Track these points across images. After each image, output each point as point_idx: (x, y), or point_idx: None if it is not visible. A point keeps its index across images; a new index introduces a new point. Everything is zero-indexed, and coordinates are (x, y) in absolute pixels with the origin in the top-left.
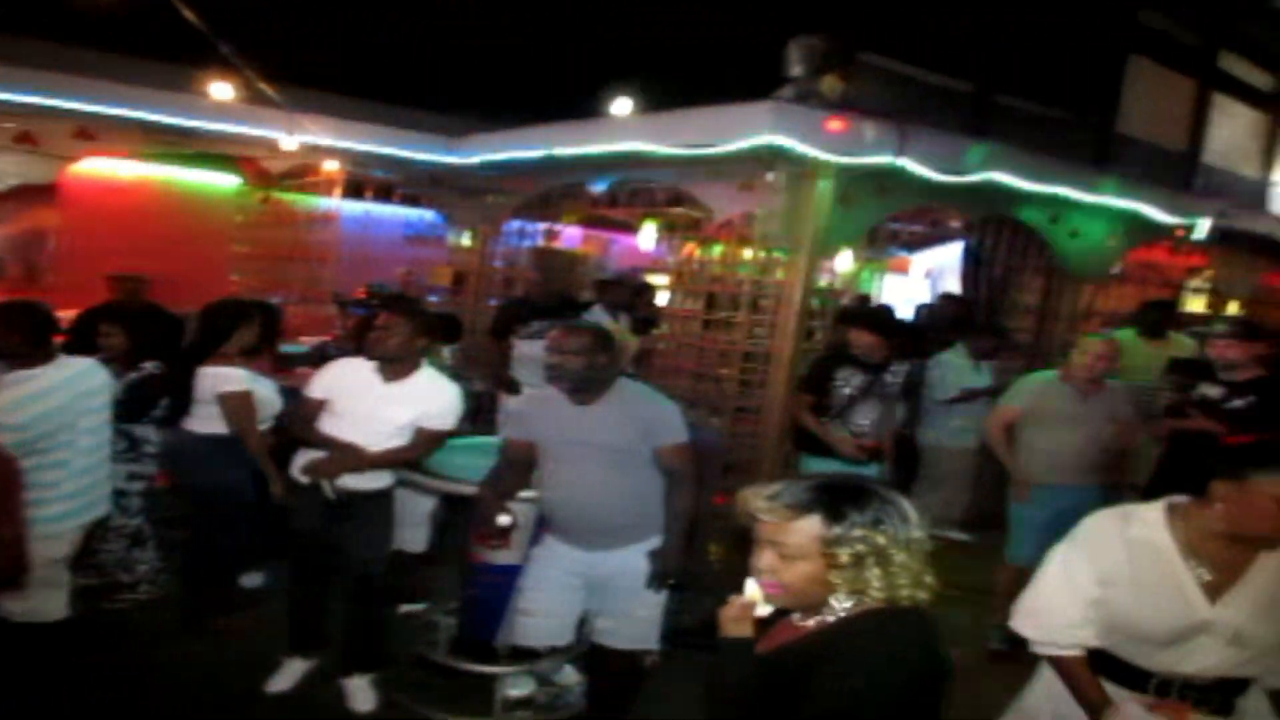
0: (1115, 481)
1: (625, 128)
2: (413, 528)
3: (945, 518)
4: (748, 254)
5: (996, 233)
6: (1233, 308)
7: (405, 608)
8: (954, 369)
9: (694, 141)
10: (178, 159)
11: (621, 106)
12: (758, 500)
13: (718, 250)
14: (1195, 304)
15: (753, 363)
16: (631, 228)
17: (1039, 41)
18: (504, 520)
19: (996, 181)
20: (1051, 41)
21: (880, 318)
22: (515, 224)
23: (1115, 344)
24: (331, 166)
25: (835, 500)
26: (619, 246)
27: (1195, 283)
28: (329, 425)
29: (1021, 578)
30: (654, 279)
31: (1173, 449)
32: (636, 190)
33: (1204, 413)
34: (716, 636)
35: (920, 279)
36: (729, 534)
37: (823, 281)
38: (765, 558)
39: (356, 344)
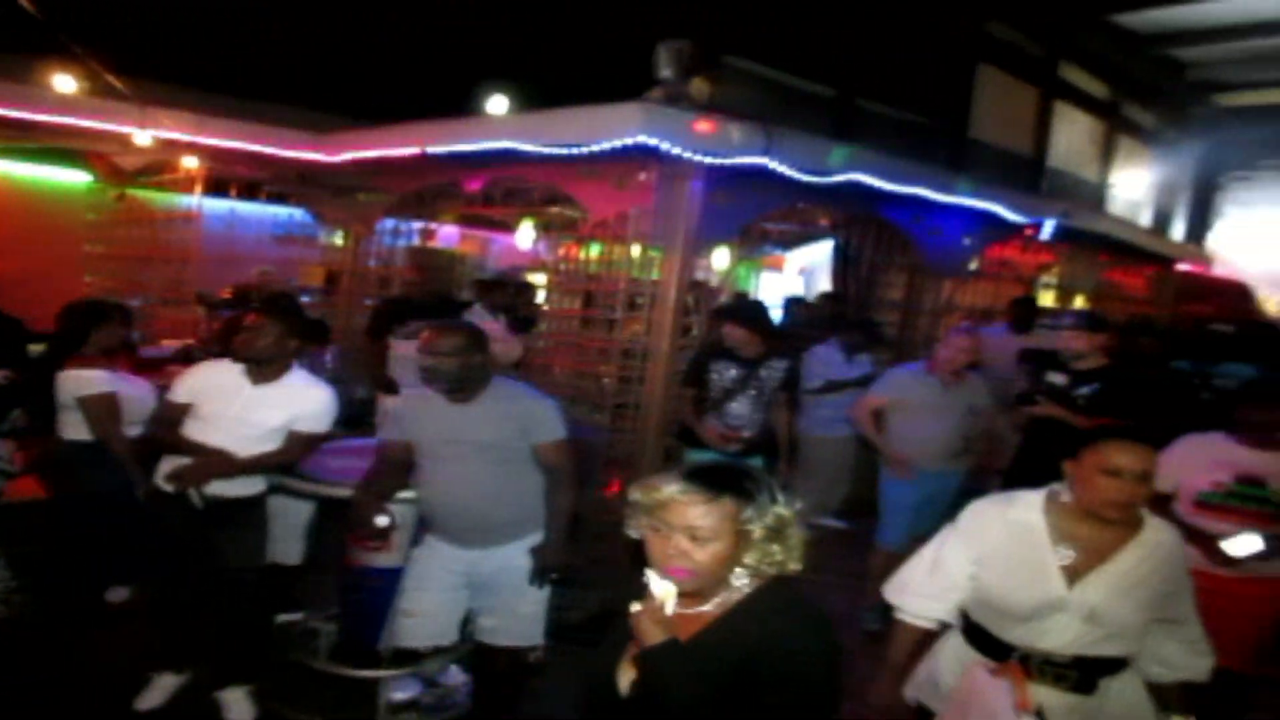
0: (984, 466)
1: (498, 126)
2: (288, 541)
3: (823, 506)
4: (636, 252)
5: (862, 231)
6: (1079, 301)
7: (283, 617)
8: (826, 362)
9: (567, 141)
10: (20, 154)
11: (498, 105)
12: (669, 486)
13: (596, 249)
14: (1046, 298)
15: (631, 359)
16: (510, 227)
17: (896, 50)
18: (381, 521)
19: (859, 182)
20: (908, 50)
21: (753, 313)
22: (389, 223)
23: (977, 338)
24: (191, 163)
25: (740, 481)
26: (499, 245)
27: (1046, 278)
28: (195, 430)
29: (891, 560)
30: (535, 278)
31: (1028, 435)
32: (512, 189)
33: (1052, 400)
34: (600, 634)
35: (795, 276)
36: (615, 528)
37: (701, 277)
38: (676, 543)
39: (223, 346)
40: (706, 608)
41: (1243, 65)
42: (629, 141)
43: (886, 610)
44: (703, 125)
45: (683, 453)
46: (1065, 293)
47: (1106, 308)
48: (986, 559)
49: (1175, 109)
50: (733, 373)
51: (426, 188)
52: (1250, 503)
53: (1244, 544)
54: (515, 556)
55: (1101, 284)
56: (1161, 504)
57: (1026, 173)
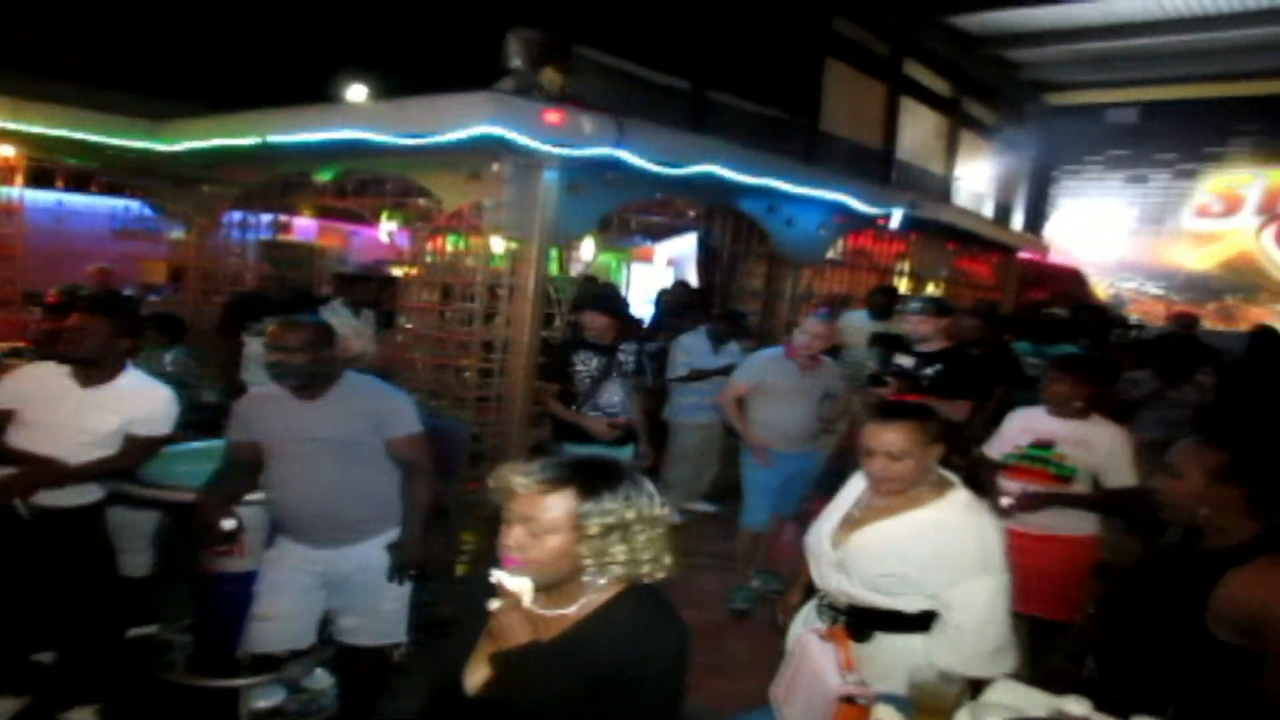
0: (849, 446)
1: (346, 115)
2: (134, 551)
3: (693, 491)
4: (496, 245)
5: (722, 223)
6: (931, 288)
7: (135, 630)
8: (692, 350)
9: (416, 131)
10: None
11: (357, 93)
12: (515, 476)
13: (454, 242)
14: (901, 286)
15: (493, 352)
16: (373, 219)
17: (749, 43)
18: (228, 525)
19: (715, 174)
20: (759, 44)
21: (609, 300)
22: (237, 215)
23: (832, 323)
24: (7, 152)
25: (588, 476)
26: (362, 239)
27: (901, 266)
28: (20, 438)
29: (756, 541)
30: (400, 272)
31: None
32: (366, 181)
33: (900, 381)
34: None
35: (664, 267)
36: (481, 522)
37: (574, 270)
38: (514, 534)
39: (50, 349)
40: (569, 610)
41: (1069, 67)
42: (479, 132)
43: (754, 590)
44: (553, 116)
45: (557, 448)
46: (918, 280)
47: (956, 294)
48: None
49: (1011, 106)
50: (595, 362)
51: (275, 179)
52: (1036, 463)
53: (1005, 498)
54: (373, 554)
55: (951, 271)
56: (992, 469)
57: (877, 165)
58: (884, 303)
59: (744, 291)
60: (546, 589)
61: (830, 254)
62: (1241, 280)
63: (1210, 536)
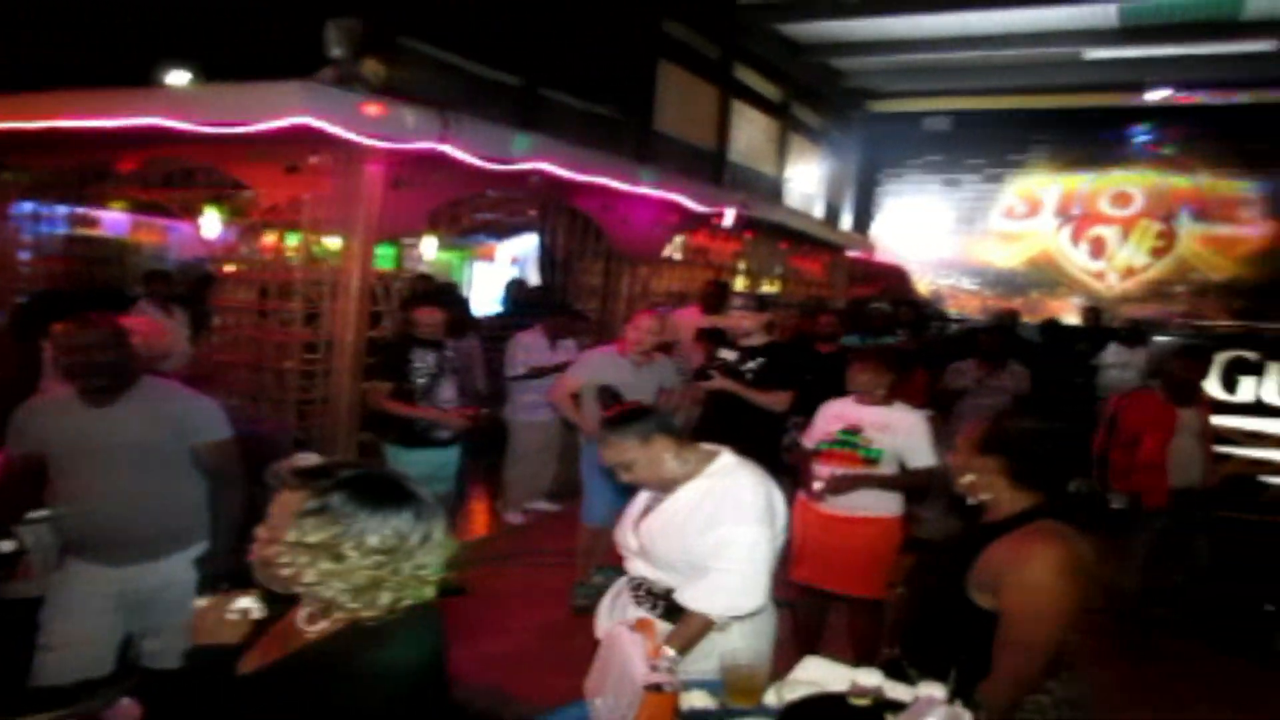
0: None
1: (147, 101)
2: None
3: (534, 490)
4: (327, 242)
5: (558, 221)
6: (766, 285)
7: None
8: (529, 348)
9: (224, 119)
10: None
11: (178, 79)
12: (285, 468)
13: (276, 238)
14: (737, 283)
15: (315, 353)
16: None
17: (580, 41)
18: (4, 547)
19: (547, 171)
20: (591, 42)
21: (443, 295)
22: (27, 206)
23: (663, 319)
24: None
25: (340, 487)
26: (181, 235)
27: (741, 265)
28: None
29: (598, 537)
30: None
31: (706, 407)
32: (175, 173)
33: (724, 374)
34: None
35: (507, 265)
36: None
37: (417, 269)
38: (261, 530)
39: None
40: (311, 630)
41: (888, 76)
42: (292, 122)
43: (596, 586)
44: (372, 108)
45: (387, 452)
46: (754, 277)
47: (790, 291)
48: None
49: (838, 112)
50: (431, 358)
51: (71, 167)
52: (845, 446)
53: (818, 481)
54: (179, 570)
55: (785, 269)
56: (805, 456)
57: (710, 166)
58: (715, 299)
59: (583, 289)
60: (303, 600)
61: (670, 252)
62: (1044, 276)
63: (988, 510)
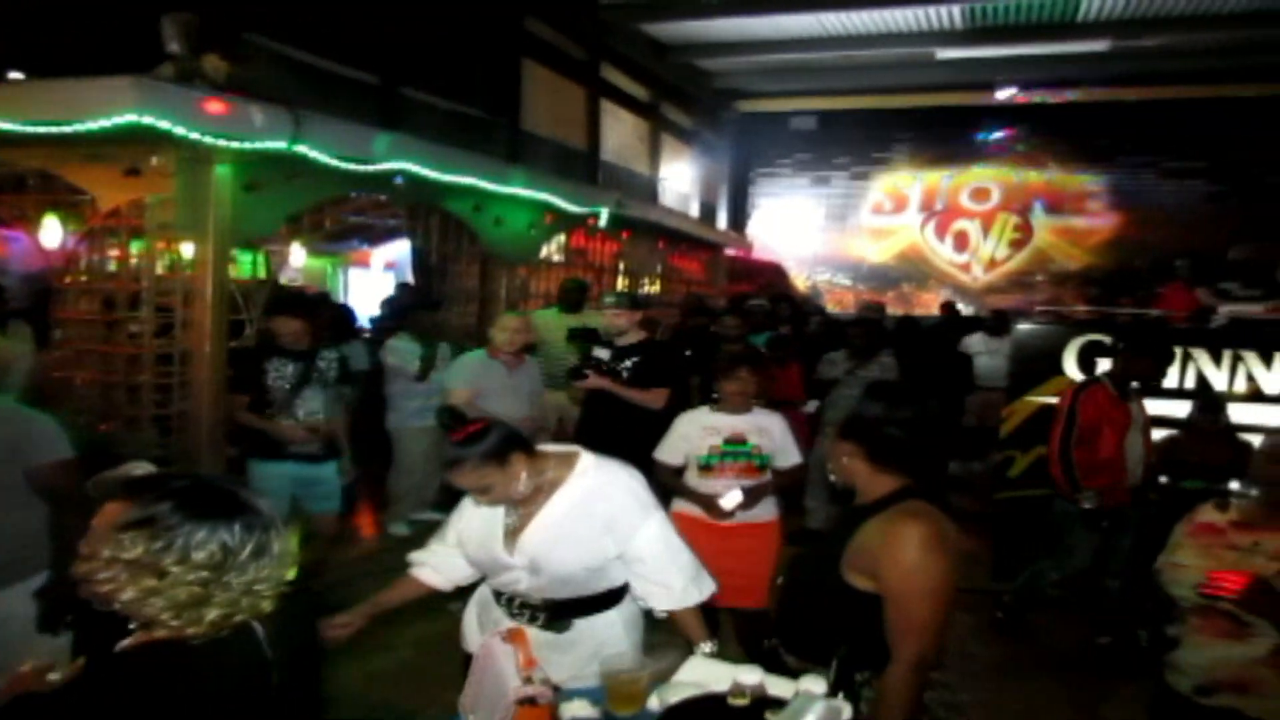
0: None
1: None
2: None
3: (422, 500)
4: (181, 249)
5: (428, 223)
6: (646, 284)
7: None
8: (401, 353)
9: (50, 118)
10: None
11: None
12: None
13: (119, 247)
14: (621, 283)
15: (170, 366)
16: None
17: (440, 39)
18: None
19: (412, 172)
20: (452, 40)
21: (303, 302)
22: None
23: (527, 319)
24: None
25: (164, 497)
26: (23, 245)
27: (618, 265)
28: None
29: None
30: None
31: (585, 408)
32: (3, 177)
33: (600, 373)
34: None
35: (382, 272)
36: None
37: (285, 277)
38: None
39: None
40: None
41: (753, 77)
42: (126, 120)
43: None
44: (214, 105)
45: (250, 466)
46: (634, 277)
47: (671, 289)
48: (465, 523)
49: (707, 112)
50: (291, 369)
51: None
52: (740, 458)
53: (730, 499)
54: (16, 603)
55: (665, 268)
56: (676, 474)
57: (582, 165)
58: (575, 297)
59: (459, 293)
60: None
61: (550, 253)
62: (913, 269)
63: (859, 496)
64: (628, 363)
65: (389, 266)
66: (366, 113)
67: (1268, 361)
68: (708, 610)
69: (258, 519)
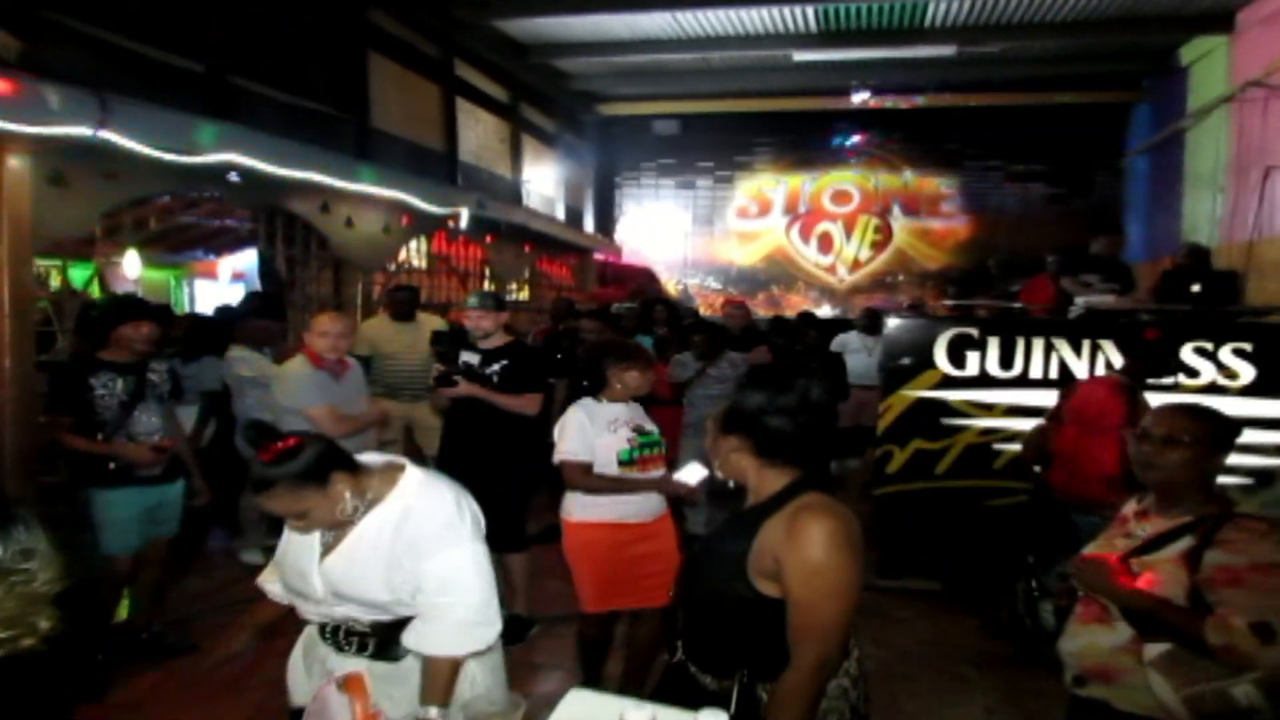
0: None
1: None
2: None
3: (275, 524)
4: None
5: (271, 225)
6: (514, 290)
7: None
8: (251, 363)
9: None
10: None
11: None
12: None
13: None
14: (486, 287)
15: None
16: None
17: (276, 28)
18: None
19: (247, 167)
20: (289, 30)
21: (151, 306)
22: None
23: (349, 320)
24: None
25: None
26: None
27: (488, 270)
28: None
29: None
30: None
31: (451, 417)
32: None
33: (470, 379)
34: None
35: (230, 284)
36: None
37: (120, 289)
38: None
39: None
40: None
41: (612, 79)
42: None
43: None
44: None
45: (91, 495)
46: (500, 282)
47: (540, 294)
48: (284, 545)
49: (568, 114)
50: (121, 384)
51: None
52: (654, 449)
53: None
54: None
55: (532, 272)
56: (585, 472)
57: (440, 166)
58: (403, 304)
59: (311, 300)
60: None
61: (410, 258)
62: (781, 272)
63: (751, 494)
64: (496, 367)
65: (237, 277)
66: (192, 103)
67: (1124, 350)
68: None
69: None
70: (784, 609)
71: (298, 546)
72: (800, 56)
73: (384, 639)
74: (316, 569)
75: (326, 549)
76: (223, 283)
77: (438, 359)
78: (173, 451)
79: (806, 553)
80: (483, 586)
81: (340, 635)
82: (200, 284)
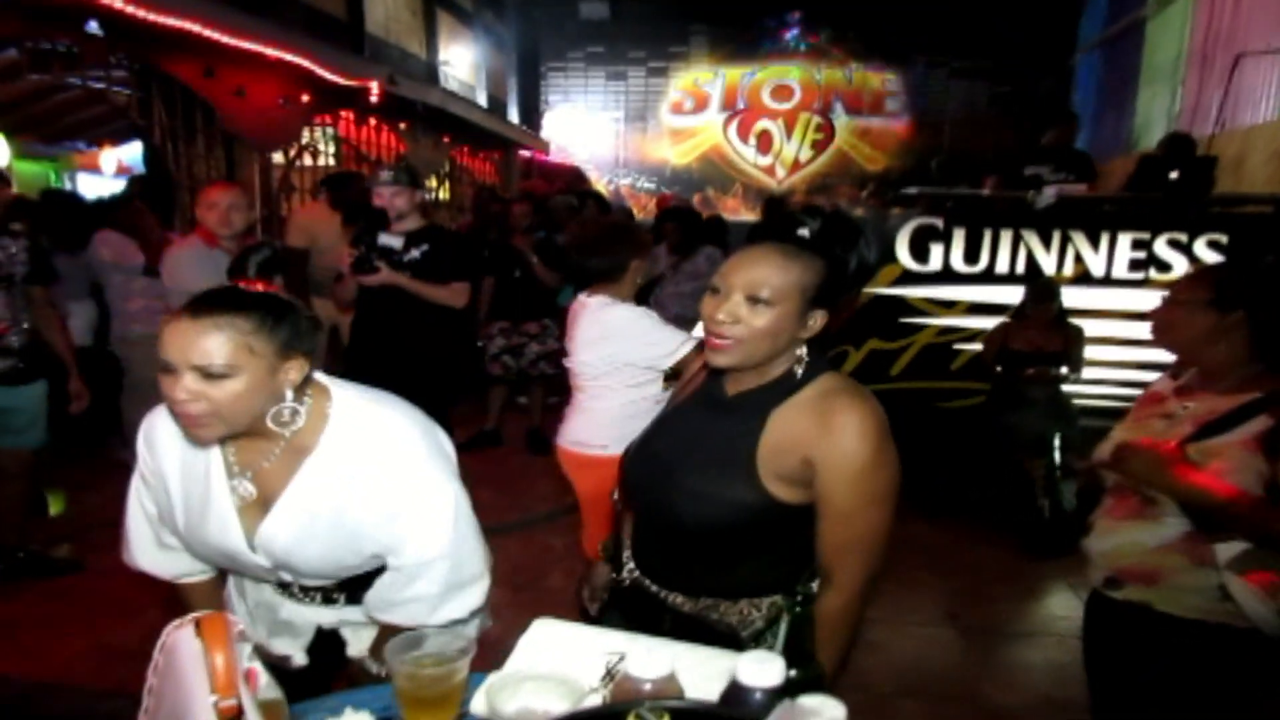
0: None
1: None
2: None
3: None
4: None
5: (146, 90)
6: (433, 184)
7: None
8: (114, 244)
9: None
10: None
11: None
12: None
13: None
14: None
15: None
16: None
17: None
18: None
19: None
20: None
21: None
22: None
23: (236, 188)
24: None
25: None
26: None
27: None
28: None
29: None
30: None
31: (362, 312)
32: None
33: (392, 266)
34: None
35: (114, 177)
36: None
37: None
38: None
39: None
40: None
41: None
42: None
43: None
44: None
45: None
46: (416, 176)
47: (461, 191)
48: (167, 494)
49: None
50: None
51: None
52: None
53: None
54: None
55: (453, 166)
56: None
57: (345, 36)
58: (341, 186)
59: (198, 182)
60: None
61: (315, 141)
62: (717, 173)
63: (734, 378)
64: (415, 253)
65: (122, 172)
66: None
67: (1095, 243)
68: None
69: None
70: (799, 516)
71: (190, 501)
72: None
73: (355, 591)
74: (242, 538)
75: (246, 503)
76: (107, 176)
77: (352, 242)
78: (22, 345)
79: (852, 451)
80: (471, 537)
81: (295, 588)
82: (83, 178)
